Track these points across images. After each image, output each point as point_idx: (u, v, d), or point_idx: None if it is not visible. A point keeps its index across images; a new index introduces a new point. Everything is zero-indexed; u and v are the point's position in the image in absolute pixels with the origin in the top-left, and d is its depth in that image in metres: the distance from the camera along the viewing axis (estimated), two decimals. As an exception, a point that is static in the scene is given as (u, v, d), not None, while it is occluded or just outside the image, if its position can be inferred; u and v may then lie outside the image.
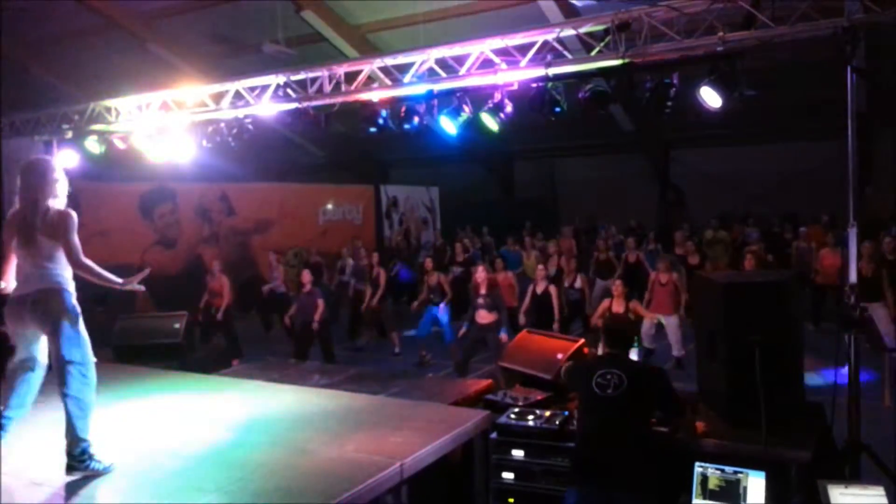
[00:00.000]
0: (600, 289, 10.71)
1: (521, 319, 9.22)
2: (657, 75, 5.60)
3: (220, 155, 9.11)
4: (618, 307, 7.82)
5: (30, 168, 4.08)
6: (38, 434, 4.36)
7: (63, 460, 3.88)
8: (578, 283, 9.92)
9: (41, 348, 4.04)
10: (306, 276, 9.80)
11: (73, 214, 3.99)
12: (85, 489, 3.77)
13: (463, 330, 8.85)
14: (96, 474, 3.87)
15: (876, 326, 8.35)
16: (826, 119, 6.46)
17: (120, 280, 4.10)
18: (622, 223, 16.37)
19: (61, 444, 3.92)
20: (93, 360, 4.00)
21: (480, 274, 8.95)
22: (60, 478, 3.88)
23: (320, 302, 9.53)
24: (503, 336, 8.39)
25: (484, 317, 8.56)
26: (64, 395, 3.87)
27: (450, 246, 14.57)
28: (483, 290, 8.66)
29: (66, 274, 3.96)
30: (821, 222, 13.55)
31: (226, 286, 10.34)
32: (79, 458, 3.86)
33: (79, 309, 3.98)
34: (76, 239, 3.95)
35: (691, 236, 12.39)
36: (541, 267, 9.77)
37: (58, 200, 4.03)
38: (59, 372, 3.88)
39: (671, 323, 9.01)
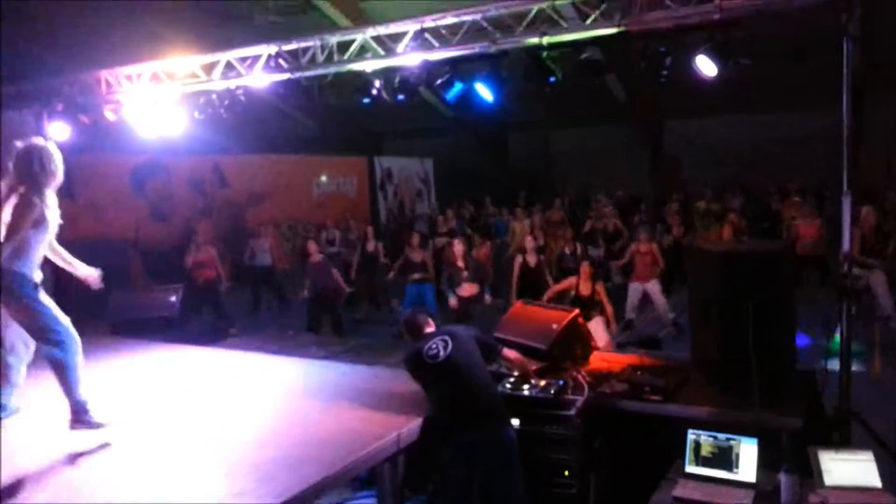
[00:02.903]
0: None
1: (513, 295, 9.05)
2: (653, 44, 5.56)
3: (213, 127, 9.01)
4: (585, 289, 7.41)
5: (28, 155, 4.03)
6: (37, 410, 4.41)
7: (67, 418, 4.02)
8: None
9: (16, 329, 4.16)
10: (312, 246, 9.83)
11: None
12: (81, 459, 3.81)
13: (452, 301, 8.78)
14: (96, 426, 4.03)
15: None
16: (820, 87, 6.44)
17: None
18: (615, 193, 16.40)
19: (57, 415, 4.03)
20: (66, 322, 4.06)
21: (458, 247, 8.88)
22: (59, 451, 3.92)
23: (335, 270, 9.55)
24: (488, 298, 8.43)
25: (466, 289, 8.53)
26: (49, 361, 4.00)
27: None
28: (461, 264, 8.62)
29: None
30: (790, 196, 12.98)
31: (213, 258, 10.25)
32: (80, 412, 4.01)
33: (28, 280, 3.96)
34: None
35: (682, 208, 12.65)
36: (530, 238, 9.26)
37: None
38: (40, 342, 4.07)
39: (653, 289, 9.19)
